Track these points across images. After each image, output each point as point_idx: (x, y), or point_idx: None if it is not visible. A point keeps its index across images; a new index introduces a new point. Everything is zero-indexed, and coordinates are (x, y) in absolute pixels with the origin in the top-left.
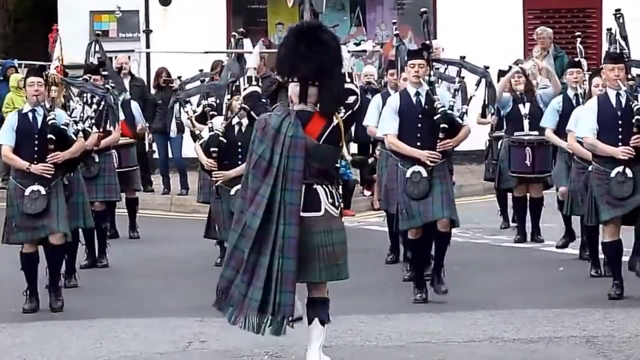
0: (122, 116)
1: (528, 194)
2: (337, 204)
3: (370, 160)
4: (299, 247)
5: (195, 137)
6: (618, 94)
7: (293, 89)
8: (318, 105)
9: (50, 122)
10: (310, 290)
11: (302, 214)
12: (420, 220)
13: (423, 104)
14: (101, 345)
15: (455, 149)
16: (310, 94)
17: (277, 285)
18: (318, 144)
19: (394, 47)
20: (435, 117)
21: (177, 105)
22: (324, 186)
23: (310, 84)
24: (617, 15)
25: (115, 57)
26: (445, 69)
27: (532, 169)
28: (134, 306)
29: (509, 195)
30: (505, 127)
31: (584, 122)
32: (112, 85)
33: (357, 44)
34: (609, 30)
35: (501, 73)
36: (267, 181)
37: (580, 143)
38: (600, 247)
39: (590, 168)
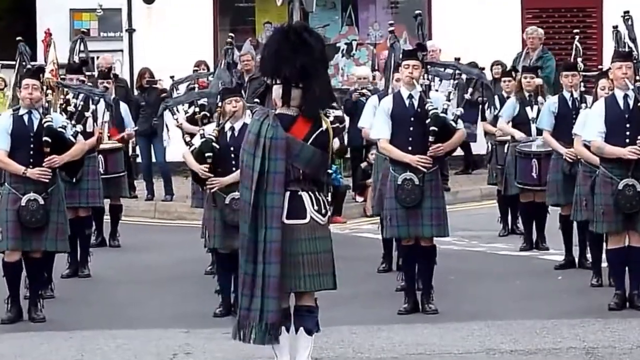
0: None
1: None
2: (323, 211)
3: (364, 164)
4: (281, 251)
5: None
6: (626, 95)
7: (276, 91)
8: (302, 108)
9: (45, 125)
10: (296, 299)
11: (286, 220)
12: (407, 233)
13: (415, 107)
14: (82, 357)
15: (453, 154)
16: (294, 96)
17: (262, 291)
18: (303, 144)
19: (389, 45)
20: (427, 121)
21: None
22: (309, 193)
23: (294, 86)
24: (626, 17)
25: (97, 57)
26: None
27: (539, 181)
28: (117, 316)
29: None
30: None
31: (591, 125)
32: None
33: (348, 44)
34: (615, 27)
35: (505, 74)
36: (251, 186)
37: (587, 147)
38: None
39: (597, 172)
